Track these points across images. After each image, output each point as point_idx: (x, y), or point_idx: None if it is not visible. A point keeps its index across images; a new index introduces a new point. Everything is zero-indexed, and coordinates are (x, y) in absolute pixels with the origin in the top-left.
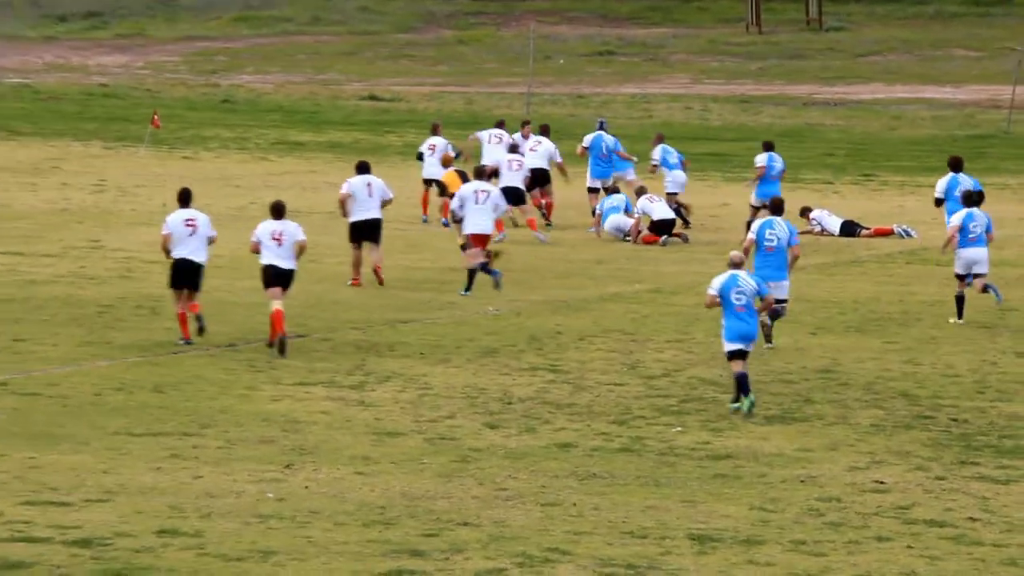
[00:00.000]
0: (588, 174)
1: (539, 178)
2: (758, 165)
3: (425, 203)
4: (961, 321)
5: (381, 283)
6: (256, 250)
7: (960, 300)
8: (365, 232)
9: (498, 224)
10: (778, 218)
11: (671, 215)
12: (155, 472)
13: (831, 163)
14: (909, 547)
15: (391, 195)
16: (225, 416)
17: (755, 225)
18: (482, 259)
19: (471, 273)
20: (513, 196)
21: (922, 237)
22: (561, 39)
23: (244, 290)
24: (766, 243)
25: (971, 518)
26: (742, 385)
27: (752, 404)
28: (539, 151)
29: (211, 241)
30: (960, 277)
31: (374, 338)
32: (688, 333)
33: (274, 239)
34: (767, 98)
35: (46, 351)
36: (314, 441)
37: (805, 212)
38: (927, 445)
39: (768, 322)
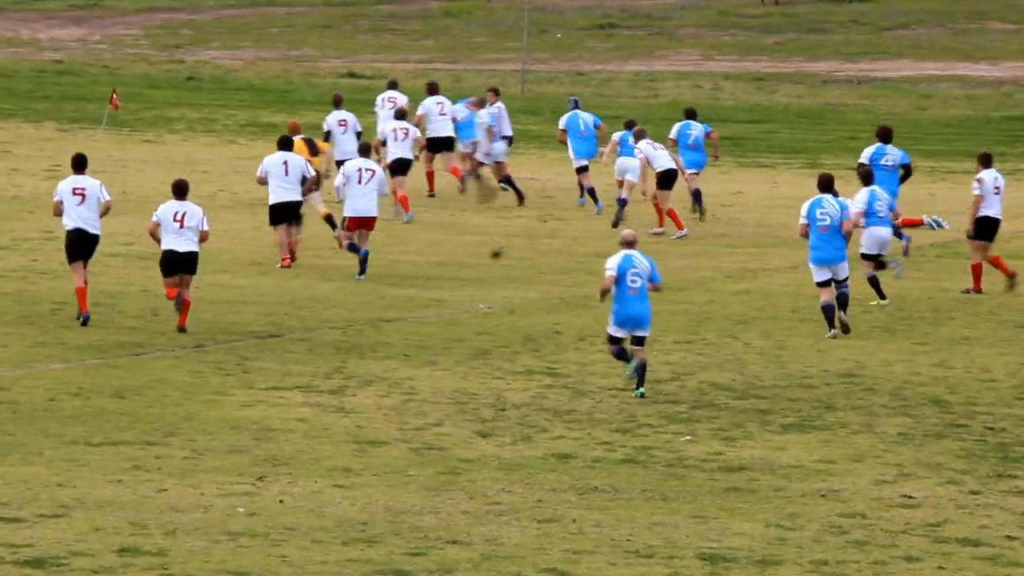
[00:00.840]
0: (571, 154)
1: (441, 144)
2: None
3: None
4: (886, 302)
5: (294, 259)
6: (156, 233)
7: (875, 281)
8: (284, 214)
9: (404, 201)
10: (827, 195)
11: (673, 165)
12: (115, 485)
13: (854, 146)
14: (940, 568)
15: (313, 173)
16: (191, 423)
17: (804, 207)
18: (350, 240)
19: (351, 247)
20: (400, 167)
21: (954, 228)
22: (558, 11)
23: (213, 286)
24: (819, 223)
25: (1008, 536)
26: (621, 357)
27: (636, 368)
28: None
29: (106, 209)
30: (869, 258)
31: (355, 338)
32: (698, 333)
33: (175, 220)
34: (784, 75)
35: None
36: (289, 451)
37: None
38: (960, 456)
39: (844, 318)
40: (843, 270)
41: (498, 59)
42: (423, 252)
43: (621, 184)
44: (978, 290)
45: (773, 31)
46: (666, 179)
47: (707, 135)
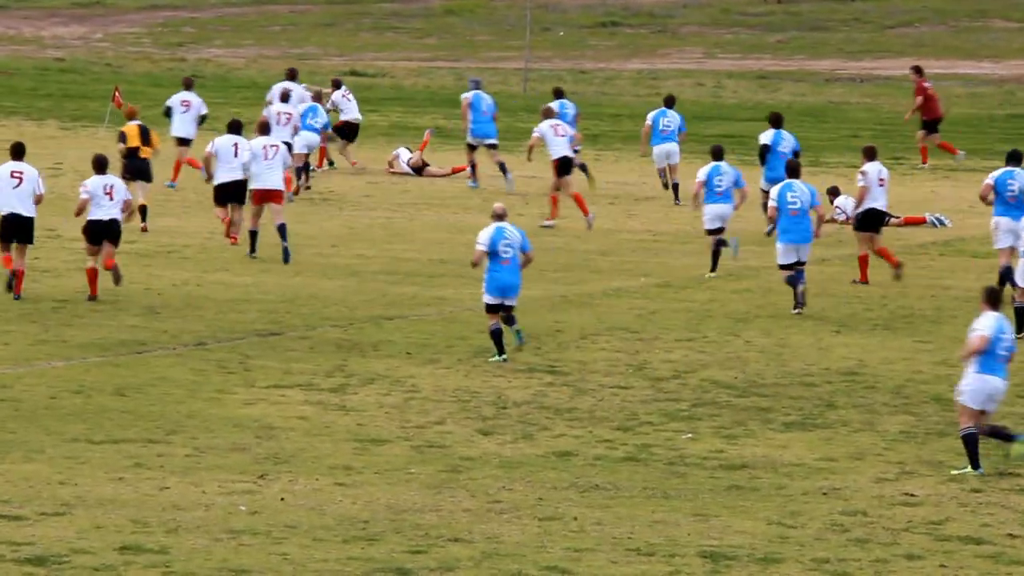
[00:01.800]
0: (470, 135)
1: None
2: (762, 143)
3: (177, 168)
4: (713, 274)
5: (235, 242)
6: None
7: (716, 255)
8: (231, 194)
9: (287, 181)
10: (797, 181)
11: (568, 152)
12: (116, 483)
13: (856, 145)
14: (942, 566)
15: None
16: (193, 421)
17: (774, 191)
18: (282, 220)
19: (253, 235)
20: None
21: (956, 226)
22: (560, 9)
23: (215, 284)
24: (789, 207)
25: (1010, 535)
26: (498, 341)
27: (505, 360)
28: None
29: (39, 199)
30: (711, 232)
31: (356, 336)
32: (699, 331)
33: (105, 193)
34: (787, 74)
35: None
36: (291, 449)
37: (833, 193)
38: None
39: (798, 288)
40: (807, 252)
41: (500, 57)
42: (425, 250)
43: (664, 171)
44: (864, 281)
45: (776, 29)
46: (563, 166)
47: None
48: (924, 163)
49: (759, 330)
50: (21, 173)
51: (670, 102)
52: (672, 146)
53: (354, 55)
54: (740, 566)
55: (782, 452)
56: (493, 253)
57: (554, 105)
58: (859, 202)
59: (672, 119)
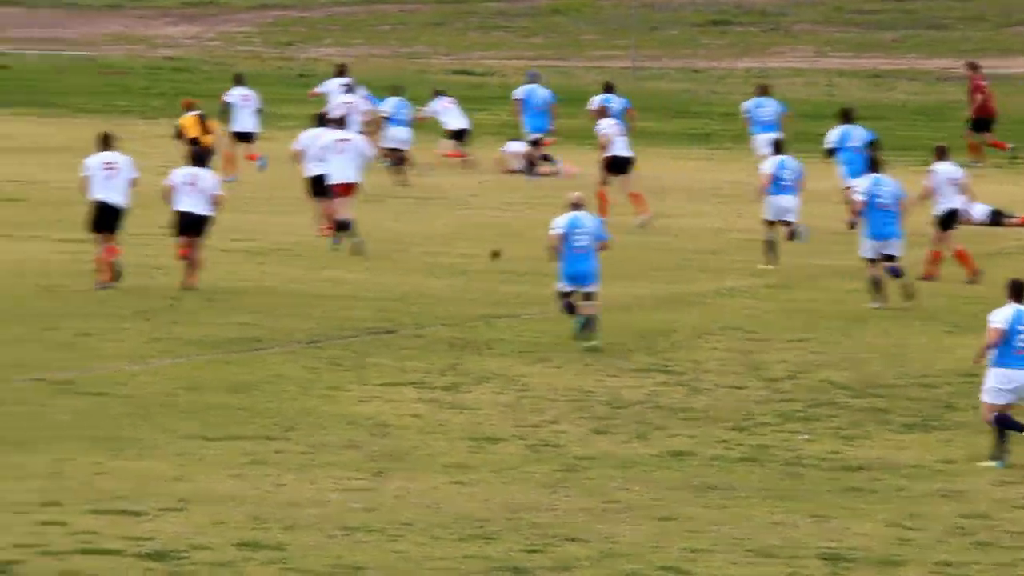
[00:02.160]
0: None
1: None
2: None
3: (227, 162)
4: (772, 268)
5: (327, 234)
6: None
7: (770, 244)
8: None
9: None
10: (884, 176)
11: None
12: (234, 479)
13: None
14: None
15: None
16: (308, 419)
17: (862, 184)
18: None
19: (339, 225)
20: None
21: None
22: (670, 7)
23: (327, 281)
24: (878, 200)
25: None
26: (571, 311)
27: (582, 327)
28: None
29: (133, 183)
30: (770, 223)
31: (468, 335)
32: (814, 331)
33: (188, 184)
34: (900, 72)
35: (112, 347)
36: (405, 447)
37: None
38: None
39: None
40: (896, 247)
41: (608, 56)
42: (534, 248)
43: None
44: (932, 276)
45: (889, 27)
46: (615, 165)
47: (626, 110)
48: (978, 162)
49: (876, 330)
50: (114, 163)
51: (764, 90)
52: (773, 135)
53: (462, 54)
54: (859, 568)
55: (900, 454)
56: (567, 241)
57: (597, 99)
58: (921, 201)
59: (770, 107)
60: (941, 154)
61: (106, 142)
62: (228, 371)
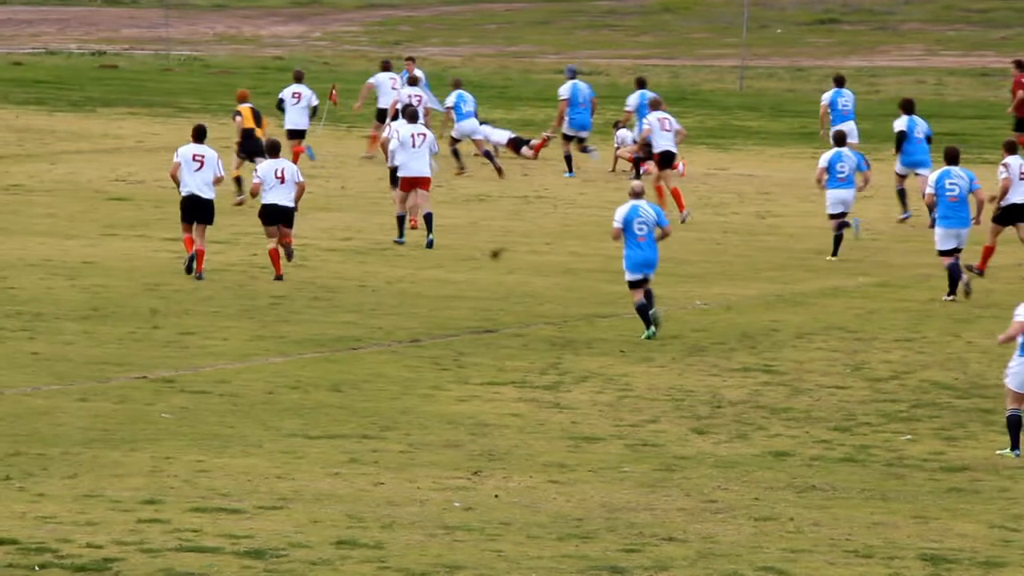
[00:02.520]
0: (568, 124)
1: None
2: (898, 130)
3: (296, 157)
4: (835, 258)
5: (414, 225)
6: (256, 192)
7: (838, 239)
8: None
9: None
10: (955, 167)
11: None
12: (332, 478)
13: None
14: None
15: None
16: (408, 418)
17: (932, 177)
18: (428, 208)
19: (400, 220)
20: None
21: None
22: (778, 6)
23: (429, 280)
24: (948, 193)
25: None
26: (644, 316)
27: (653, 335)
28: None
29: (218, 180)
30: (833, 217)
31: (570, 334)
32: (919, 331)
33: (276, 177)
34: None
35: (215, 346)
36: (504, 446)
37: None
38: None
39: (964, 277)
40: (965, 238)
41: (716, 55)
42: None
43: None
44: (982, 270)
45: (1000, 25)
46: (664, 160)
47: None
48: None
49: (981, 331)
50: (203, 156)
51: (841, 82)
52: (851, 125)
53: (569, 53)
54: (961, 569)
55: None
56: (628, 231)
57: (633, 98)
58: (1002, 195)
59: (848, 98)
60: (1011, 148)
61: (198, 135)
62: (330, 370)
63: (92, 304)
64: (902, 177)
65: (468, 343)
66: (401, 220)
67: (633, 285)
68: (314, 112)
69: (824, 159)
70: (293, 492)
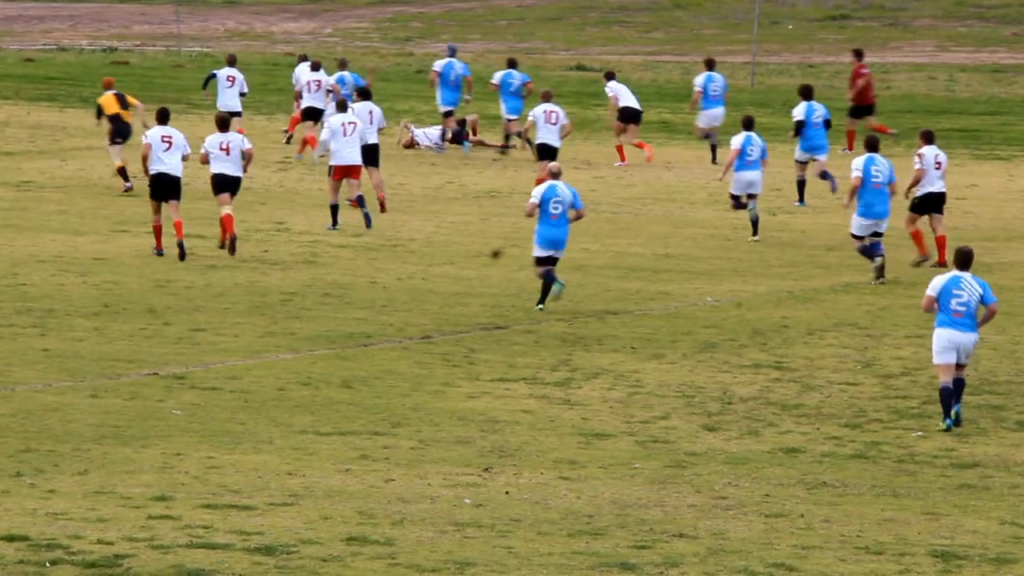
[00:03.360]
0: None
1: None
2: (797, 118)
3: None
4: (756, 239)
5: (382, 201)
6: (205, 160)
7: (753, 222)
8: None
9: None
10: (878, 155)
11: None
12: (343, 474)
13: None
14: None
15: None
16: (418, 414)
17: (859, 162)
18: (359, 192)
19: (334, 209)
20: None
21: None
22: (789, 2)
23: (440, 277)
24: (873, 180)
25: None
26: (547, 285)
27: (556, 294)
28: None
29: (186, 157)
30: (734, 197)
31: (581, 331)
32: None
33: (222, 149)
34: (1021, 67)
35: (226, 342)
36: (515, 442)
37: None
38: None
39: (877, 261)
40: (885, 225)
41: (728, 51)
42: (650, 244)
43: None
44: (925, 256)
45: (1012, 22)
46: (546, 152)
47: (524, 83)
48: (849, 149)
49: (992, 327)
50: (170, 137)
51: (711, 65)
52: (720, 111)
53: (580, 49)
54: (972, 566)
55: (1015, 451)
56: (544, 209)
57: (499, 75)
58: (913, 184)
59: (719, 83)
60: (928, 138)
61: (163, 117)
62: (341, 366)
63: (103, 300)
64: (802, 164)
65: (479, 339)
66: (335, 209)
67: (540, 261)
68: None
69: (736, 142)
70: (304, 488)
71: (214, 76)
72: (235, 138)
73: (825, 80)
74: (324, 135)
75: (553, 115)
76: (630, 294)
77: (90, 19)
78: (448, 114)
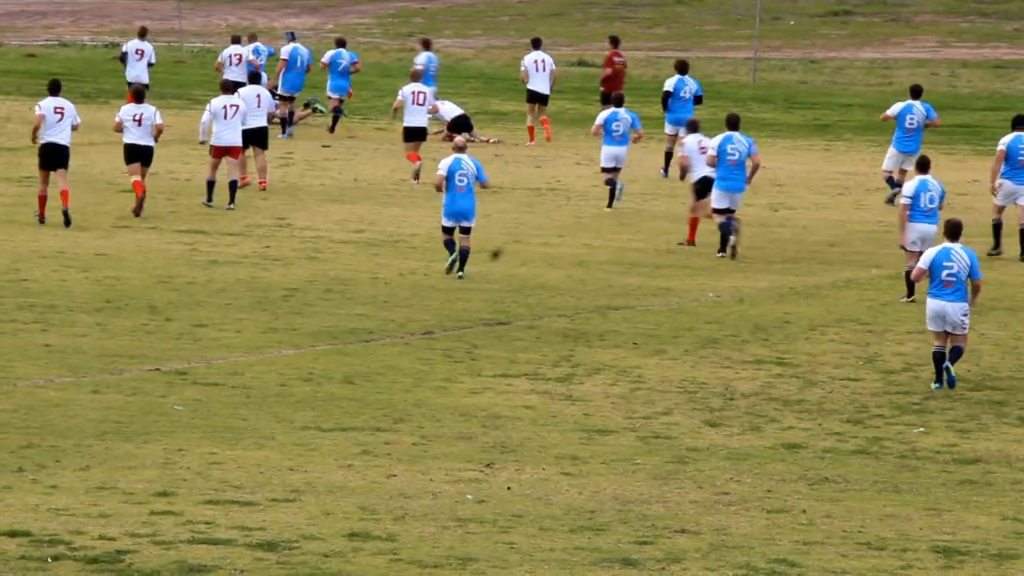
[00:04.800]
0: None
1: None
2: (665, 89)
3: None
4: (610, 210)
5: (264, 186)
6: (119, 129)
7: (611, 188)
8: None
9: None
10: (736, 133)
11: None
12: (345, 470)
13: None
14: None
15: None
16: (420, 410)
17: (715, 141)
18: (235, 176)
19: (210, 185)
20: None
21: None
22: None
23: (441, 273)
24: (728, 157)
25: None
26: (451, 247)
27: (456, 262)
28: None
29: (75, 127)
30: (605, 171)
31: (582, 326)
32: None
33: (135, 120)
34: (1023, 63)
35: (228, 338)
36: (517, 438)
37: None
38: None
39: (732, 239)
40: (739, 201)
41: (730, 47)
42: (651, 240)
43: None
44: (691, 242)
45: (1014, 17)
46: (413, 134)
47: (353, 63)
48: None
49: (994, 323)
50: (62, 108)
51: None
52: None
53: (582, 45)
54: (974, 561)
55: (1017, 447)
56: (450, 181)
57: (328, 56)
58: (683, 173)
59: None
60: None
61: (54, 88)
62: (342, 362)
63: (105, 296)
64: (671, 137)
65: (481, 335)
66: (210, 185)
67: (446, 231)
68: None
69: (601, 117)
70: (306, 484)
71: (125, 54)
72: (148, 110)
73: (827, 76)
74: (205, 116)
75: (420, 95)
76: (632, 290)
77: (92, 14)
78: (288, 99)
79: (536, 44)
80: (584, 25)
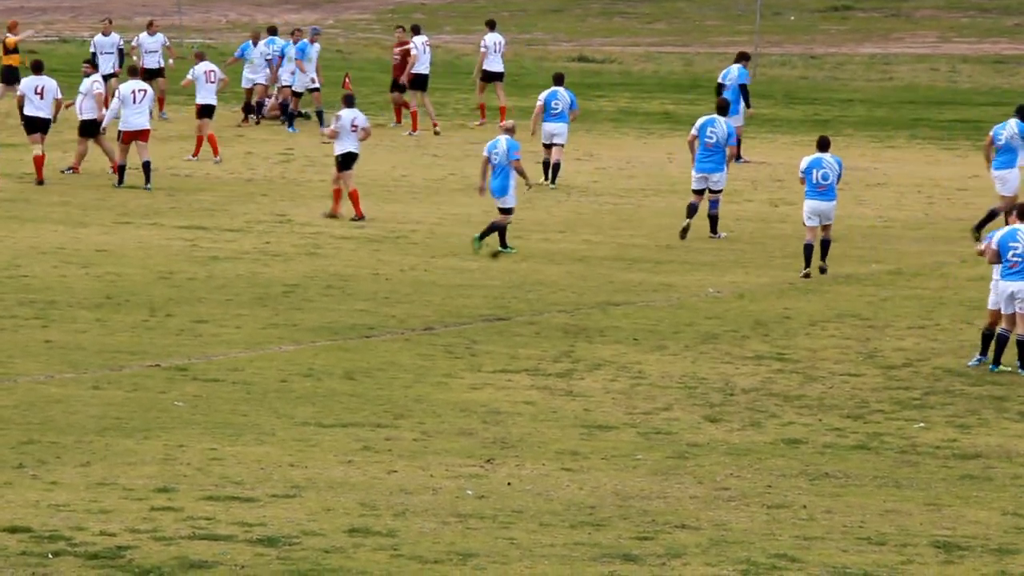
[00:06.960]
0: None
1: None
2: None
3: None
4: (548, 184)
5: (75, 171)
6: (21, 102)
7: (547, 166)
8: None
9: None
10: (720, 117)
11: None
12: (346, 466)
13: None
14: None
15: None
16: (420, 406)
17: (696, 124)
18: (147, 157)
19: (121, 169)
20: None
21: None
22: None
23: (442, 269)
24: (707, 139)
25: None
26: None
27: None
28: None
29: (58, 103)
30: (546, 147)
31: (583, 322)
32: (932, 319)
33: (36, 92)
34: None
35: (228, 334)
36: (517, 434)
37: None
38: None
39: (690, 220)
40: (717, 182)
41: (730, 42)
42: (653, 236)
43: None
44: (335, 215)
45: (1015, 12)
46: (205, 110)
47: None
48: (398, 122)
49: None
50: (43, 86)
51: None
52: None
53: (582, 41)
54: (974, 556)
55: (1017, 442)
56: (490, 161)
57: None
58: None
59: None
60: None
61: (37, 68)
62: (343, 358)
63: (106, 292)
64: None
65: (481, 331)
66: (121, 170)
67: (505, 212)
68: (121, 58)
69: (541, 98)
70: (306, 480)
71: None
72: (49, 83)
73: (827, 71)
74: (114, 103)
75: (211, 74)
76: (632, 285)
77: (92, 10)
78: (297, 95)
79: (491, 26)
80: (584, 21)
